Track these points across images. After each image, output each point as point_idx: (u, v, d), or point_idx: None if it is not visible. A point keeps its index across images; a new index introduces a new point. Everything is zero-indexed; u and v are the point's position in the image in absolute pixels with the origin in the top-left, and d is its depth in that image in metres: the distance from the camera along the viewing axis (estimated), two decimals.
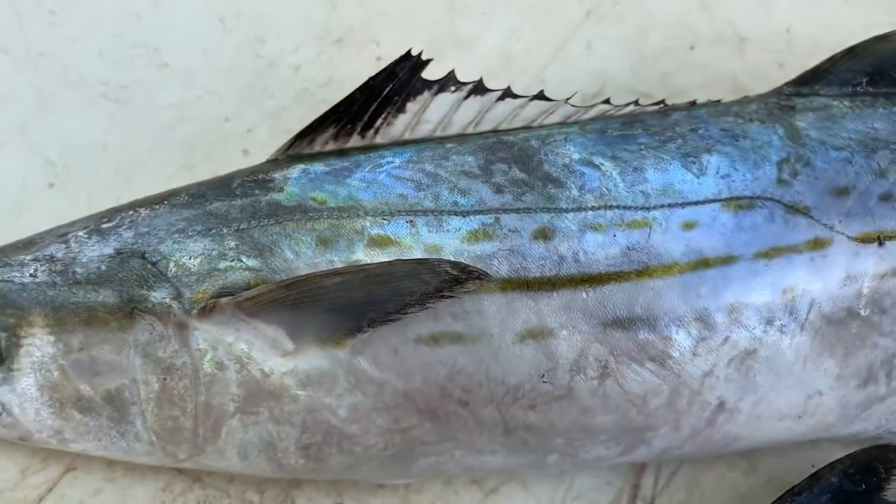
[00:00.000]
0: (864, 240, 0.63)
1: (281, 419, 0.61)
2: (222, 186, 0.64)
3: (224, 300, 0.58)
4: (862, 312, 0.63)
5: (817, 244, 0.63)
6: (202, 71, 0.79)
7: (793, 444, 0.69)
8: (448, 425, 0.62)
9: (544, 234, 0.61)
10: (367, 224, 0.61)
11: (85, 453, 0.65)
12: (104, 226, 0.63)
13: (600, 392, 0.61)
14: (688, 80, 0.82)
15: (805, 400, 0.65)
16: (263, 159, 0.74)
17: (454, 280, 0.56)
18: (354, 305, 0.58)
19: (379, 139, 0.66)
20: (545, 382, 0.61)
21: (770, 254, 0.62)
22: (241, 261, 0.60)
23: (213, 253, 0.60)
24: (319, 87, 0.79)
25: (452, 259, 0.58)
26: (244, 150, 0.77)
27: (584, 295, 0.60)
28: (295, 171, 0.64)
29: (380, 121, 0.66)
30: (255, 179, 0.64)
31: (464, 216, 0.61)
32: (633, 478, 0.72)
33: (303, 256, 0.60)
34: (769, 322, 0.62)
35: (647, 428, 0.63)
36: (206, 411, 0.60)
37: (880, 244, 0.63)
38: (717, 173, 0.63)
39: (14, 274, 0.61)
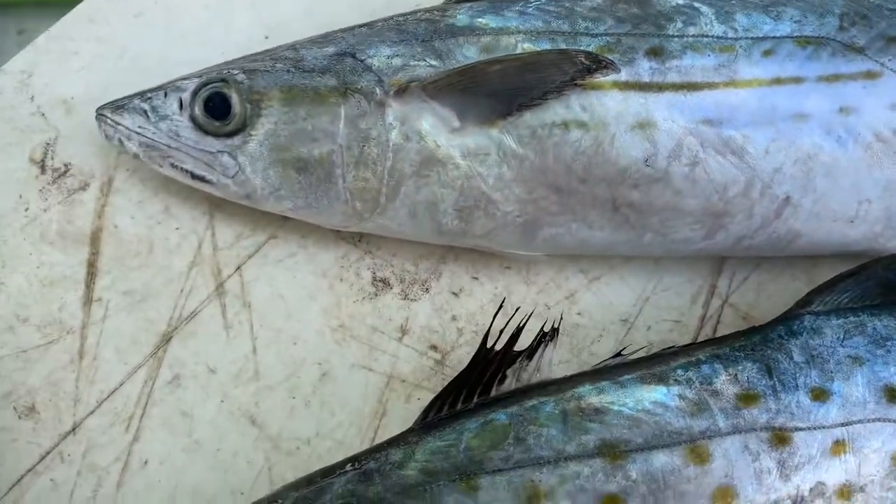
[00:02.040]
0: None
1: (445, 183, 0.81)
2: (412, 16, 0.85)
3: (413, 84, 0.79)
4: None
5: (869, 75, 0.79)
6: None
7: (848, 253, 0.85)
8: (569, 199, 0.81)
9: (654, 52, 0.79)
10: (520, 39, 0.81)
11: (291, 214, 0.86)
12: (323, 39, 0.85)
13: (690, 177, 0.79)
14: None
15: (857, 205, 0.81)
16: None
17: (587, 69, 0.75)
18: (508, 90, 0.78)
19: None
20: (648, 166, 0.79)
21: (830, 79, 0.79)
22: (426, 61, 0.80)
23: (407, 54, 0.81)
24: None
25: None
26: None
27: (683, 97, 0.78)
28: (464, 6, 0.84)
29: None
30: (436, 11, 0.85)
31: (593, 37, 0.80)
32: (711, 278, 0.89)
33: (470, 60, 0.80)
34: (828, 132, 0.79)
35: (725, 213, 0.81)
36: (391, 174, 0.81)
37: None
38: (791, 19, 0.81)
39: (258, 66, 0.84)
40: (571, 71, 0.76)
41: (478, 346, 0.74)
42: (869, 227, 0.82)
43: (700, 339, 0.86)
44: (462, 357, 0.86)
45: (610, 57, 0.79)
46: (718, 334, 0.86)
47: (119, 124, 0.86)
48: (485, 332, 0.74)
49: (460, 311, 0.89)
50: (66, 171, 0.93)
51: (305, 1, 1.01)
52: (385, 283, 0.90)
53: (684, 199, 0.80)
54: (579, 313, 0.88)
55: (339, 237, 0.90)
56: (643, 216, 0.81)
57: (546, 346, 0.75)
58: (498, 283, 0.89)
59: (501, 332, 0.76)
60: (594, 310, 0.88)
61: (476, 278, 0.90)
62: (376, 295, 0.89)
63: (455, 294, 0.89)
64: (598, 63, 0.75)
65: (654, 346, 0.85)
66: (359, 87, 0.81)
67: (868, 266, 0.81)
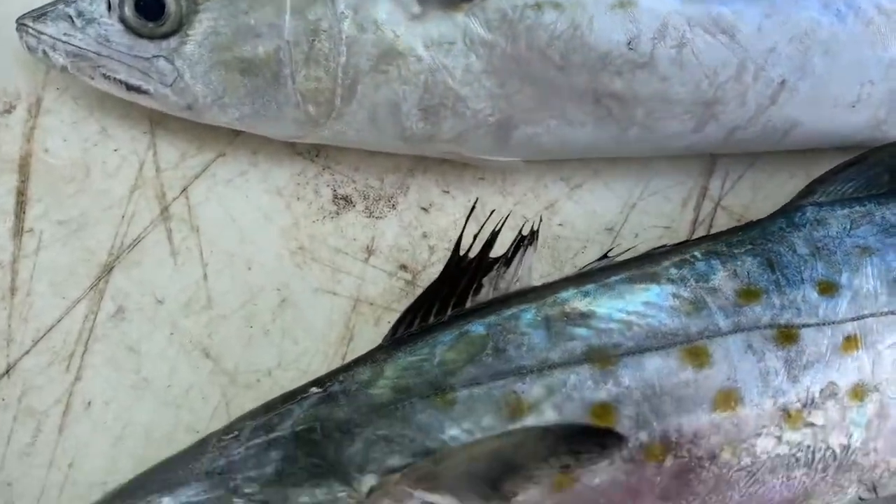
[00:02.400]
0: None
1: (407, 79, 0.73)
2: None
3: None
4: None
5: None
6: None
7: (848, 143, 0.78)
8: (545, 91, 0.73)
9: None
10: None
11: (238, 125, 0.78)
12: None
13: (677, 61, 0.72)
14: None
15: (858, 88, 0.74)
16: None
17: None
18: None
19: None
20: (631, 50, 0.71)
21: None
22: None
23: None
24: None
25: None
26: None
27: None
28: None
29: None
30: None
31: None
32: (702, 180, 0.82)
33: None
34: (826, 6, 0.72)
35: (716, 101, 0.74)
36: (346, 71, 0.73)
37: None
38: None
39: None
40: None
41: None
42: (872, 112, 0.75)
43: None
44: (433, 276, 0.78)
45: None
46: None
47: (42, 33, 0.77)
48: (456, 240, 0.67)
49: (431, 228, 0.81)
50: None
51: None
52: (347, 200, 0.82)
53: (671, 86, 0.73)
54: (560, 224, 0.81)
55: (295, 152, 0.82)
56: (627, 108, 0.74)
57: (525, 251, 0.68)
58: (471, 195, 0.81)
59: (475, 238, 0.69)
60: (577, 219, 0.81)
61: (447, 192, 0.82)
62: (338, 213, 0.81)
63: (425, 209, 0.82)
64: None
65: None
66: None
67: (872, 153, 0.74)
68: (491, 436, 0.61)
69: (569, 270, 0.79)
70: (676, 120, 0.75)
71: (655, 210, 0.81)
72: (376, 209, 0.81)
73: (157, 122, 0.82)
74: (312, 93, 0.74)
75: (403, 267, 0.80)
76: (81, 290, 0.78)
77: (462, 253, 0.68)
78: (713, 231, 0.80)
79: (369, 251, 0.80)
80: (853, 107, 0.75)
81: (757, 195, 0.81)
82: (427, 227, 0.81)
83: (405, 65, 0.73)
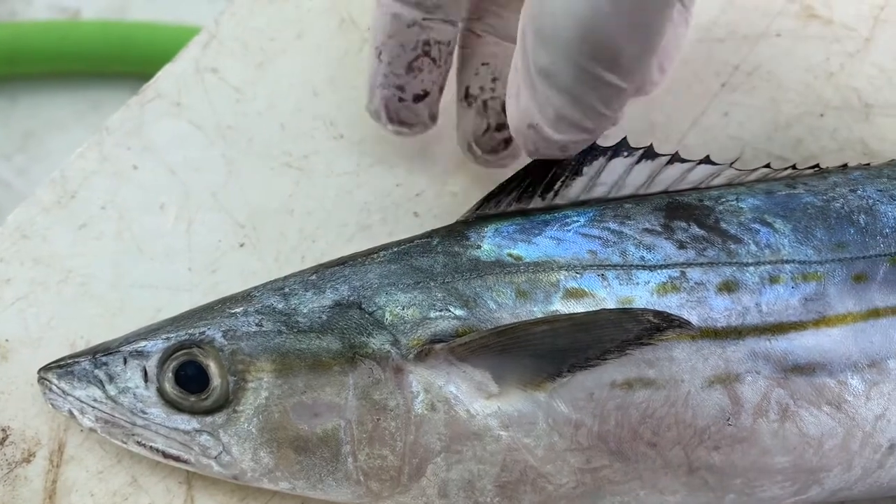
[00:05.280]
0: None
1: (483, 458, 0.66)
2: (423, 244, 0.70)
3: (438, 346, 0.64)
4: None
5: None
6: (373, 141, 0.87)
7: None
8: (636, 465, 0.66)
9: (728, 287, 0.66)
10: (562, 278, 0.67)
11: (289, 492, 0.70)
12: (317, 280, 0.70)
13: (780, 434, 0.66)
14: (820, 145, 0.88)
15: None
16: (433, 219, 0.82)
17: (655, 328, 0.62)
18: (557, 351, 0.63)
19: (558, 200, 0.73)
20: (730, 425, 0.65)
21: None
22: (449, 310, 0.66)
23: (424, 303, 0.66)
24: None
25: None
26: (415, 212, 0.84)
27: (768, 343, 0.65)
28: (489, 230, 0.70)
29: (558, 184, 0.72)
30: (453, 237, 0.70)
31: (651, 270, 0.67)
32: None
33: (504, 307, 0.66)
34: None
35: (821, 468, 0.67)
36: (414, 450, 0.66)
37: None
38: (881, 231, 0.68)
39: (241, 324, 0.68)
40: (636, 330, 0.62)
41: None
42: None
43: None
44: None
45: (675, 297, 0.65)
46: None
47: (68, 394, 0.70)
48: None
49: None
50: (4, 439, 0.75)
51: (283, 192, 0.85)
52: None
53: (773, 457, 0.66)
54: None
55: None
56: (724, 478, 0.67)
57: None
58: None
59: None
60: None
61: None
62: None
63: None
64: (669, 322, 0.61)
65: None
66: (370, 350, 0.65)
67: None
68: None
69: None
70: (777, 486, 0.68)
71: None
72: None
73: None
74: (376, 470, 0.67)
75: None
76: None
77: None
78: None
79: None
80: None
81: None
82: None
83: (481, 445, 0.65)
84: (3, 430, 0.75)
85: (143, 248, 0.83)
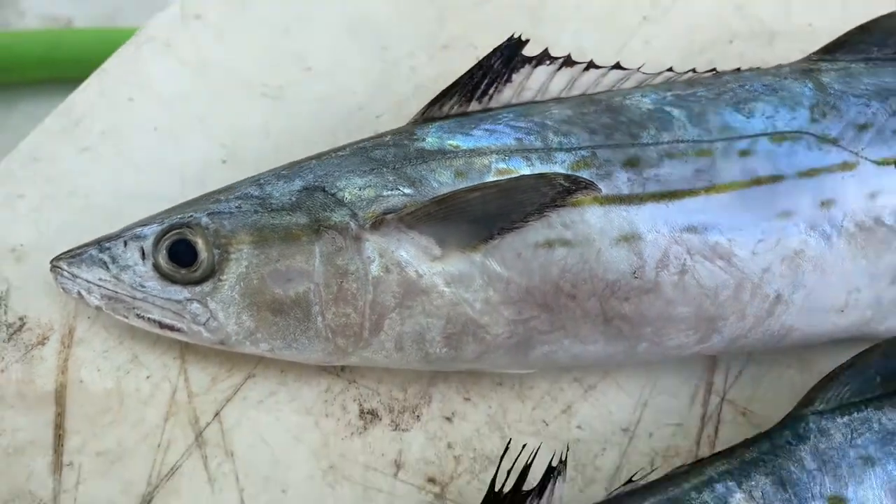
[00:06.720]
0: (884, 163, 0.80)
1: (430, 312, 0.77)
2: (378, 141, 0.82)
3: (389, 216, 0.76)
4: (886, 221, 0.79)
5: (846, 166, 0.79)
6: (339, 72, 1.00)
7: (840, 339, 0.84)
8: (559, 316, 0.78)
9: (631, 163, 0.78)
10: (493, 160, 0.78)
11: (269, 355, 0.81)
12: (287, 172, 0.82)
13: (680, 286, 0.77)
14: (729, 67, 1.00)
15: (846, 295, 0.80)
16: None
17: (566, 190, 0.73)
18: (488, 217, 0.75)
19: (493, 104, 0.84)
20: (636, 278, 0.77)
21: (809, 173, 0.78)
22: (399, 189, 0.77)
23: (378, 185, 0.78)
24: (431, 82, 0.98)
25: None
26: (375, 131, 0.95)
27: (665, 207, 0.77)
28: (432, 127, 0.82)
29: (492, 90, 0.84)
30: (403, 134, 0.82)
31: (567, 151, 0.79)
32: (707, 376, 0.87)
33: (445, 185, 0.78)
34: (812, 227, 0.78)
35: (718, 317, 0.79)
36: (373, 307, 0.77)
37: None
38: (763, 115, 0.80)
39: (222, 207, 0.80)
40: (551, 193, 0.74)
41: (476, 472, 0.70)
42: (859, 314, 0.81)
43: (703, 440, 0.84)
44: (461, 487, 0.82)
45: (587, 172, 0.77)
46: (720, 434, 0.84)
47: (77, 277, 0.82)
48: (481, 457, 0.71)
49: (455, 438, 0.85)
50: (21, 326, 0.87)
51: (260, 117, 0.98)
52: (373, 414, 0.85)
53: (676, 307, 0.78)
54: (579, 426, 0.85)
55: (321, 368, 0.86)
56: (636, 327, 0.79)
57: (555, 481, 0.72)
58: (491, 401, 0.86)
59: (508, 473, 0.72)
60: (593, 421, 0.85)
61: (468, 399, 0.86)
62: (365, 428, 0.84)
63: (448, 419, 0.85)
64: (576, 184, 0.74)
65: (658, 454, 0.83)
66: (332, 222, 0.77)
67: (865, 355, 0.79)
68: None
69: (591, 473, 0.83)
70: (682, 334, 0.80)
71: (666, 407, 0.86)
72: (402, 421, 0.85)
73: (187, 347, 0.86)
74: (341, 327, 0.78)
75: (431, 480, 0.83)
76: None
77: (497, 488, 0.71)
78: (722, 425, 0.85)
79: (397, 465, 0.83)
80: (842, 311, 0.81)
81: (758, 388, 0.86)
82: (451, 437, 0.85)
83: (428, 300, 0.77)
84: (20, 318, 0.87)
85: (138, 166, 0.95)
